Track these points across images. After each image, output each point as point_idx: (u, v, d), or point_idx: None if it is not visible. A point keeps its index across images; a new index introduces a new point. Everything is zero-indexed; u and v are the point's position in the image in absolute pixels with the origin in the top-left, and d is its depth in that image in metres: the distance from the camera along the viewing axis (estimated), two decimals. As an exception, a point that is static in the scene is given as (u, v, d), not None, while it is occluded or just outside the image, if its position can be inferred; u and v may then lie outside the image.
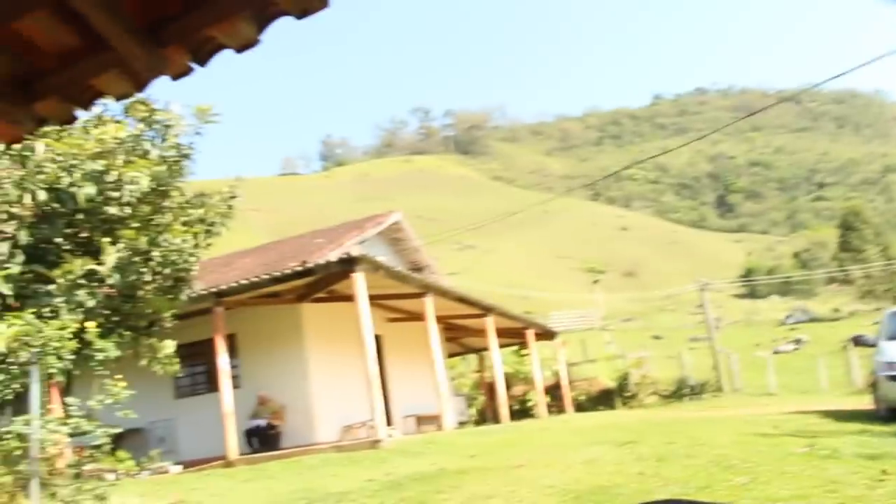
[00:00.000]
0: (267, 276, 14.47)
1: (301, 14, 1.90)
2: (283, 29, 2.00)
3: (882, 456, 7.46)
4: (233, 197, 10.00)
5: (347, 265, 13.94)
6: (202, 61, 2.04)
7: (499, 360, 22.00)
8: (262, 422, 15.33)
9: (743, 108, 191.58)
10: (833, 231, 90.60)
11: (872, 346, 13.77)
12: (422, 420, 18.73)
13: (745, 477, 6.99)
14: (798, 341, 47.53)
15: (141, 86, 2.08)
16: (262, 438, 15.23)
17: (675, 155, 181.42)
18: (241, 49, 2.00)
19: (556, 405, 26.95)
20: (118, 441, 10.28)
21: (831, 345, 40.67)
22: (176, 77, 2.07)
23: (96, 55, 2.00)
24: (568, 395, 26.73)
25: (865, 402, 14.59)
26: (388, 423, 15.66)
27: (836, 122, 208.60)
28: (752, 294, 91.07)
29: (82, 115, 2.29)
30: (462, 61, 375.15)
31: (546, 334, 27.24)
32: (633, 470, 8.01)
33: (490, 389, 26.57)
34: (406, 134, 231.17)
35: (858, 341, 35.36)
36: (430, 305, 16.53)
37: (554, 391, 27.54)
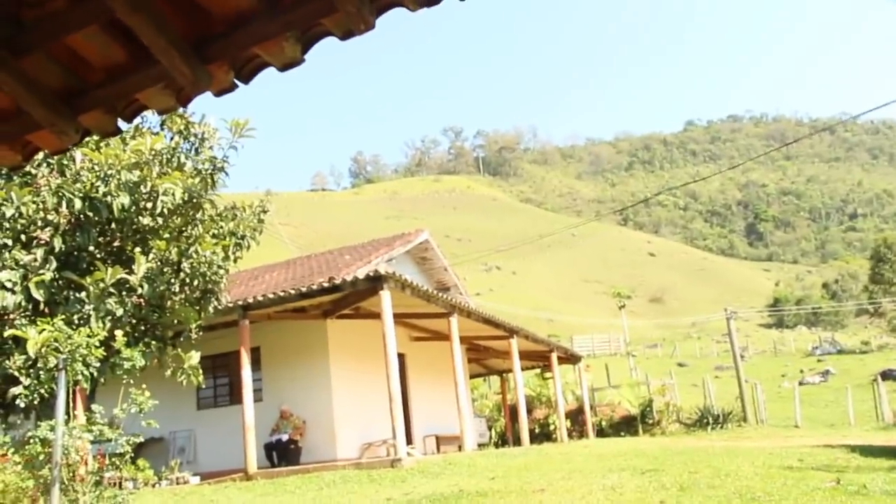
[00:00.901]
0: (294, 291, 14.54)
1: (345, 35, 1.93)
2: (323, 47, 2.04)
3: (911, 494, 7.31)
4: (264, 211, 10.09)
5: (375, 282, 13.97)
6: (245, 79, 2.07)
7: (521, 382, 21.90)
8: (283, 436, 15.35)
9: (776, 137, 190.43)
10: (864, 262, 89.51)
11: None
12: (442, 440, 18.66)
13: (770, 510, 6.88)
14: (825, 373, 46.80)
15: (184, 101, 2.12)
16: (283, 453, 15.24)
17: (705, 182, 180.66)
18: (284, 68, 2.03)
19: (577, 430, 26.75)
20: (138, 450, 10.36)
21: (860, 378, 40.03)
22: (218, 93, 2.11)
23: (142, 70, 2.04)
24: (590, 420, 26.51)
25: (894, 438, 14.32)
26: (409, 442, 15.64)
27: (871, 152, 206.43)
28: (780, 324, 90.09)
29: (123, 126, 2.34)
30: (495, 83, 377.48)
31: (570, 358, 27.09)
32: (655, 498, 7.92)
33: (512, 412, 26.44)
34: (437, 153, 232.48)
35: (888, 375, 34.78)
36: (454, 325, 16.51)
37: (576, 416, 27.34)
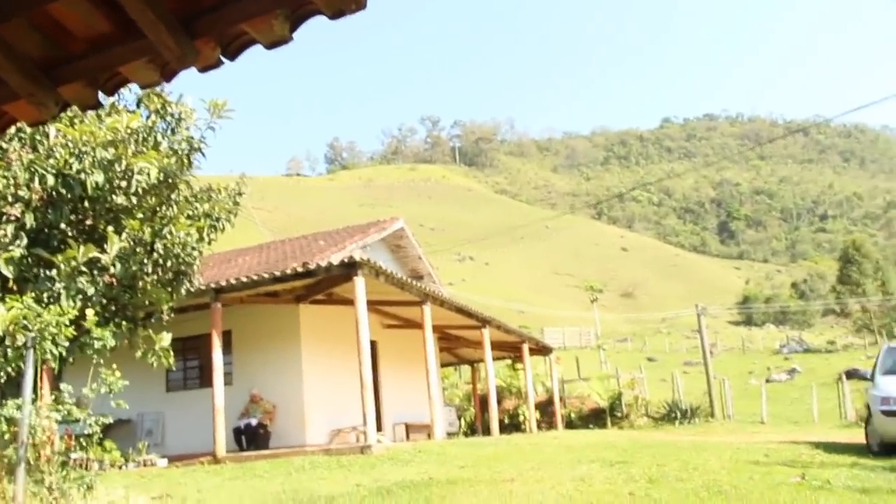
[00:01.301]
0: (268, 275, 14.45)
1: (335, 14, 1.90)
2: (308, 29, 2.00)
3: (874, 490, 7.44)
4: (239, 194, 9.99)
5: (349, 269, 13.92)
6: (231, 55, 2.04)
7: (492, 372, 21.96)
8: (252, 420, 15.29)
9: (750, 137, 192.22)
10: (833, 263, 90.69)
11: (866, 379, 13.77)
12: (411, 428, 18.68)
13: (737, 504, 6.97)
14: (792, 371, 47.50)
15: (169, 76, 2.07)
16: (252, 437, 15.18)
17: (680, 179, 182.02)
18: (271, 46, 1.99)
19: (546, 421, 26.91)
20: (106, 431, 10.25)
21: (825, 376, 40.65)
22: (203, 69, 2.07)
23: (127, 43, 1.99)
24: (559, 412, 26.67)
25: (857, 436, 14.56)
26: (379, 429, 15.62)
27: (842, 155, 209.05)
28: (749, 322, 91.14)
29: (103, 100, 2.29)
30: (474, 74, 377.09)
31: (541, 350, 27.21)
32: (624, 490, 7.98)
33: (482, 401, 26.53)
34: (413, 142, 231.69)
35: (852, 374, 35.36)
36: (427, 314, 16.50)
37: (545, 407, 27.51)
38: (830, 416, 28.27)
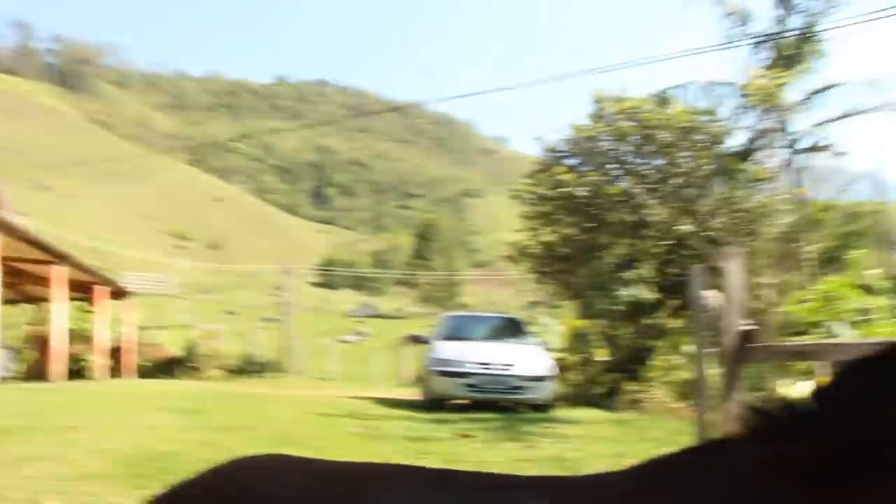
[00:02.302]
0: None
1: None
2: None
3: (424, 438, 8.42)
4: None
5: None
6: None
7: (62, 314, 20.28)
8: None
9: (357, 109, 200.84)
10: (410, 239, 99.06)
11: (427, 343, 15.46)
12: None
13: (307, 451, 7.36)
14: (363, 334, 51.14)
15: None
16: None
17: (283, 139, 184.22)
18: None
19: (118, 368, 25.60)
20: None
21: (391, 340, 44.46)
22: None
23: None
24: (133, 360, 25.54)
25: (414, 393, 16.25)
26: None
27: (433, 141, 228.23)
28: (330, 285, 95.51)
29: None
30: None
31: (117, 293, 25.76)
32: (197, 438, 7.96)
33: (44, 344, 24.33)
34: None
35: (414, 339, 39.19)
36: (-8, 242, 14.66)
37: (118, 354, 26.14)
38: (394, 375, 31.04)
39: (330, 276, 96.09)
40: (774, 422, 1.69)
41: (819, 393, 1.68)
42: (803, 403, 1.66)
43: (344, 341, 47.11)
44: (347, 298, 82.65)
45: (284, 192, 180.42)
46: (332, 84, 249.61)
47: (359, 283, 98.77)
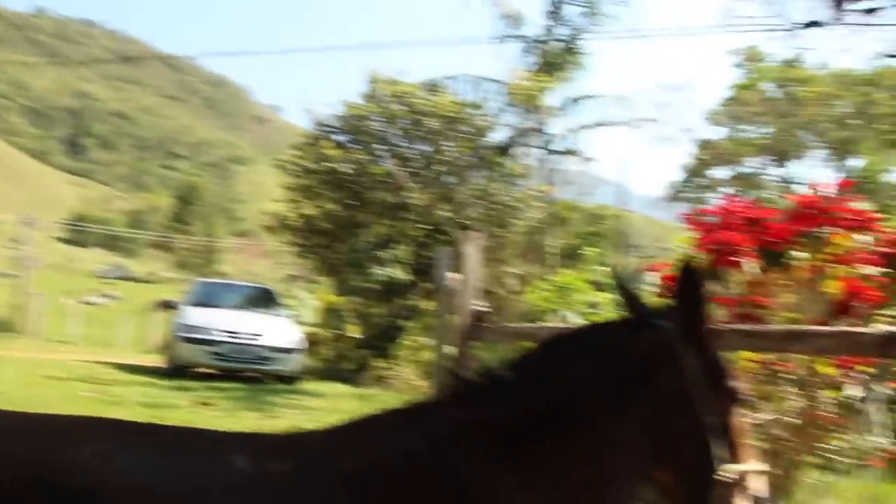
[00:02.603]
0: None
1: None
2: None
3: (161, 405, 8.20)
4: None
5: None
6: None
7: None
8: None
9: (126, 56, 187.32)
10: (170, 200, 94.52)
11: (177, 310, 14.97)
12: None
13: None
14: (111, 296, 48.23)
15: None
16: None
17: (37, 76, 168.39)
18: None
19: None
20: None
21: (142, 304, 42.25)
22: None
23: None
24: None
25: (158, 360, 15.66)
26: None
27: (205, 102, 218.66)
28: (78, 242, 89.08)
29: None
30: None
31: None
32: None
33: None
34: None
35: (166, 305, 37.54)
36: None
37: None
38: (141, 341, 29.57)
39: (80, 233, 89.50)
40: (472, 389, 1.91)
41: (516, 363, 1.92)
42: (500, 373, 1.89)
43: (89, 303, 44.15)
44: (97, 258, 77.46)
45: (34, 136, 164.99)
46: (99, 25, 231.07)
47: (111, 243, 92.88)
